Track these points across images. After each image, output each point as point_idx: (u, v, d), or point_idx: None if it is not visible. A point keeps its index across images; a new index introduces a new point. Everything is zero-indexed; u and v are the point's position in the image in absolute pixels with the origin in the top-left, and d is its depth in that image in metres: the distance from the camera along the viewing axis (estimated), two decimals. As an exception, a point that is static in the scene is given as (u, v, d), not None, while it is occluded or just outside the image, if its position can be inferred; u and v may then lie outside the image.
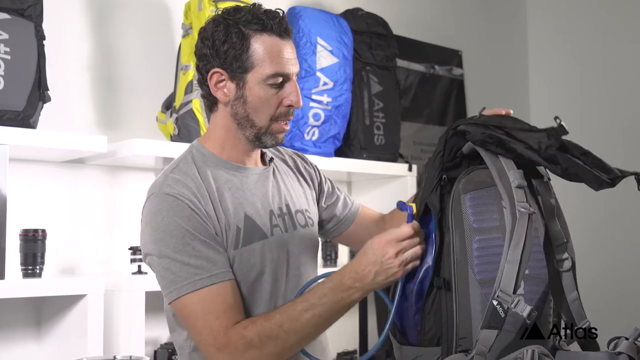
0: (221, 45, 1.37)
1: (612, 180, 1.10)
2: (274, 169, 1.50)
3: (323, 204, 1.61)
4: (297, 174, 1.56)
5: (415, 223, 1.25)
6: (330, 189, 1.64)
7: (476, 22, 3.56)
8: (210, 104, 1.44)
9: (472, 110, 3.40)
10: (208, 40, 1.39)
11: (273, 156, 1.53)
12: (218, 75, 1.39)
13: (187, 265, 1.28)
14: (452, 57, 3.38)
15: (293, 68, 1.39)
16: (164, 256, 1.30)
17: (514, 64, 3.72)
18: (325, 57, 2.49)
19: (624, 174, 1.11)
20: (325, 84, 2.48)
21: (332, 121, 2.51)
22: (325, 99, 2.48)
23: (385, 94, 2.74)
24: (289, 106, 1.39)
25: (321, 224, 1.62)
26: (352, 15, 2.72)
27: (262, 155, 1.52)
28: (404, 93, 3.08)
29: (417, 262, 1.24)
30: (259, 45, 1.36)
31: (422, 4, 3.31)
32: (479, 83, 3.49)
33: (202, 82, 1.43)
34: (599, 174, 1.10)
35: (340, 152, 2.61)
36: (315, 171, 1.63)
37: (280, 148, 1.60)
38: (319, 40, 2.49)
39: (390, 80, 2.78)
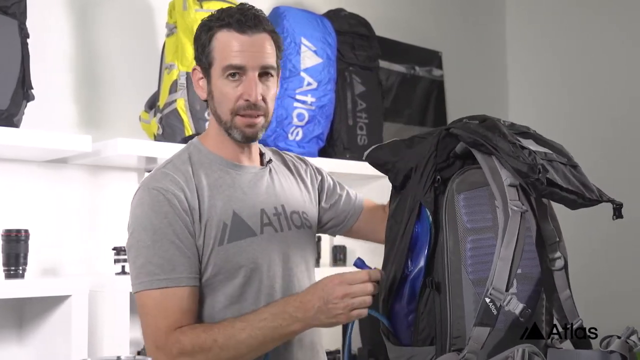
0: (197, 44, 1.43)
1: (590, 202, 1.13)
2: (270, 170, 1.50)
3: (324, 204, 1.61)
4: (296, 177, 1.57)
5: (373, 271, 1.23)
6: (332, 187, 1.64)
7: (456, 23, 3.59)
8: (207, 103, 1.46)
9: (451, 111, 3.42)
10: (195, 42, 1.45)
11: (272, 158, 1.54)
12: (197, 73, 1.45)
13: (149, 263, 1.31)
14: (432, 58, 3.40)
15: (248, 60, 1.37)
16: (134, 246, 1.34)
17: (493, 65, 3.76)
18: (309, 58, 2.49)
19: (602, 198, 1.14)
20: (309, 84, 2.48)
21: (316, 121, 2.51)
22: (309, 99, 2.49)
23: (368, 94, 2.75)
24: (247, 100, 1.39)
25: (327, 222, 1.62)
26: (335, 16, 2.73)
27: (262, 155, 1.52)
28: (385, 93, 3.09)
29: (364, 312, 1.21)
30: (217, 40, 1.39)
31: (402, 5, 3.33)
32: (459, 84, 3.52)
33: None
34: (574, 199, 1.12)
35: (323, 152, 2.62)
36: (315, 173, 1.63)
37: (282, 152, 1.62)
38: (303, 40, 2.49)
39: (373, 81, 2.79)
